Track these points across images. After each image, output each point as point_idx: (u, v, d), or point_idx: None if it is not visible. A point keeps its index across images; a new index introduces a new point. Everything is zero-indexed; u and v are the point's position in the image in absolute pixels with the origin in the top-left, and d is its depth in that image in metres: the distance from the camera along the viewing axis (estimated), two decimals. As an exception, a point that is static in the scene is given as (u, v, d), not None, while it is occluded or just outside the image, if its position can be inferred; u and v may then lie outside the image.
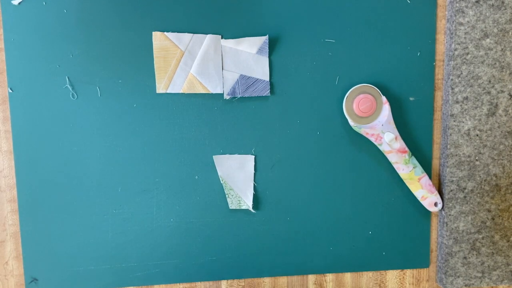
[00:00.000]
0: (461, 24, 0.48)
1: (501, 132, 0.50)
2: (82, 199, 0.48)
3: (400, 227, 0.52)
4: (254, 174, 0.50)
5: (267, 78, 0.48)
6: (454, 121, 0.50)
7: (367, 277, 0.54)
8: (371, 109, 0.48)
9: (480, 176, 0.51)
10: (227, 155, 0.49)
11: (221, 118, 0.49)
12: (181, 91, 0.47)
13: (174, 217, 0.50)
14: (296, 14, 0.48)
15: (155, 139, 0.48)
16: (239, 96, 0.48)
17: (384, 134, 0.48)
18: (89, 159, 0.48)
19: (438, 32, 0.50)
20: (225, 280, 0.52)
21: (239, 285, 0.52)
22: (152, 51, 0.47)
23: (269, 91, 0.48)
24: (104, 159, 0.48)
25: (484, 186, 0.51)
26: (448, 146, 0.50)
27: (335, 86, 0.49)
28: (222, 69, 0.48)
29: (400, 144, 0.49)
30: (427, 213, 0.53)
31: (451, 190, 0.51)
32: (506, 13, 0.48)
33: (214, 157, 0.49)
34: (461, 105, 0.50)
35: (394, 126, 0.49)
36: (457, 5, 0.48)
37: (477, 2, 0.48)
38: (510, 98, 0.50)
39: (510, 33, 0.49)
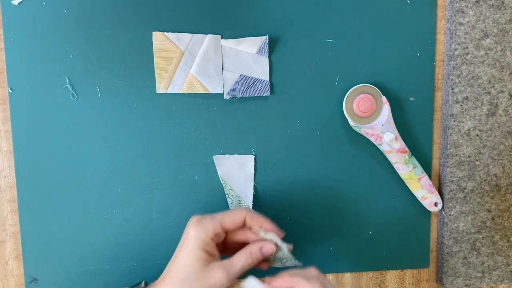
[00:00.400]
0: (461, 24, 0.48)
1: (501, 132, 0.50)
2: (82, 199, 0.48)
3: (400, 227, 0.52)
4: (254, 174, 0.50)
5: (267, 78, 0.48)
6: (454, 121, 0.50)
7: (367, 277, 0.54)
8: (371, 109, 0.48)
9: (480, 176, 0.51)
10: (227, 155, 0.49)
11: (221, 118, 0.49)
12: (181, 91, 0.47)
13: (174, 217, 0.49)
14: (296, 14, 0.48)
15: (155, 139, 0.48)
16: (239, 96, 0.48)
17: (384, 134, 0.48)
18: (89, 159, 0.48)
19: (438, 32, 0.50)
20: (225, 280, 0.52)
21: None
22: (152, 51, 0.47)
23: (269, 91, 0.48)
24: (104, 159, 0.48)
25: (484, 186, 0.51)
26: (448, 146, 0.50)
27: (335, 86, 0.49)
28: (222, 69, 0.48)
29: (400, 144, 0.49)
30: (427, 213, 0.53)
31: (451, 190, 0.51)
32: (506, 13, 0.48)
33: (214, 157, 0.49)
34: (461, 105, 0.50)
35: (394, 126, 0.49)
36: (457, 5, 0.48)
37: (477, 2, 0.48)
38: (510, 98, 0.50)
39: (510, 33, 0.49)
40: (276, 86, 0.49)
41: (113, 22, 0.46)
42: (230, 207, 0.50)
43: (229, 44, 0.47)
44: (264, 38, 0.47)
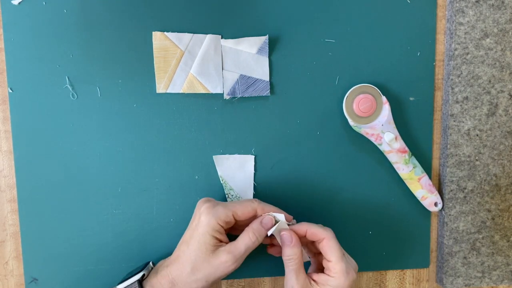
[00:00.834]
0: (461, 24, 0.48)
1: (501, 132, 0.50)
2: (82, 199, 0.48)
3: (400, 227, 0.52)
4: (254, 174, 0.50)
5: (267, 78, 0.48)
6: (454, 121, 0.50)
7: (367, 277, 0.54)
8: (371, 109, 0.48)
9: (480, 176, 0.51)
10: (227, 155, 0.49)
11: (221, 118, 0.49)
12: (181, 91, 0.47)
13: (174, 217, 0.49)
14: (296, 14, 0.48)
15: (155, 139, 0.48)
16: (239, 96, 0.48)
17: (384, 134, 0.48)
18: (89, 159, 0.48)
19: (438, 32, 0.50)
20: (225, 280, 0.52)
21: (239, 285, 0.52)
22: (152, 51, 0.47)
23: (269, 91, 0.48)
24: (104, 159, 0.48)
25: (484, 186, 0.51)
26: (448, 146, 0.50)
27: (335, 86, 0.49)
28: (222, 69, 0.48)
29: (400, 144, 0.49)
30: (427, 213, 0.53)
31: (451, 190, 0.51)
32: (506, 13, 0.48)
33: (214, 157, 0.49)
34: (461, 105, 0.50)
35: (394, 126, 0.49)
36: (457, 5, 0.48)
37: (477, 2, 0.48)
38: (510, 98, 0.50)
39: (510, 33, 0.49)
40: (276, 86, 0.49)
41: (113, 22, 0.46)
42: (230, 207, 0.50)
43: (229, 44, 0.47)
44: (264, 38, 0.47)
